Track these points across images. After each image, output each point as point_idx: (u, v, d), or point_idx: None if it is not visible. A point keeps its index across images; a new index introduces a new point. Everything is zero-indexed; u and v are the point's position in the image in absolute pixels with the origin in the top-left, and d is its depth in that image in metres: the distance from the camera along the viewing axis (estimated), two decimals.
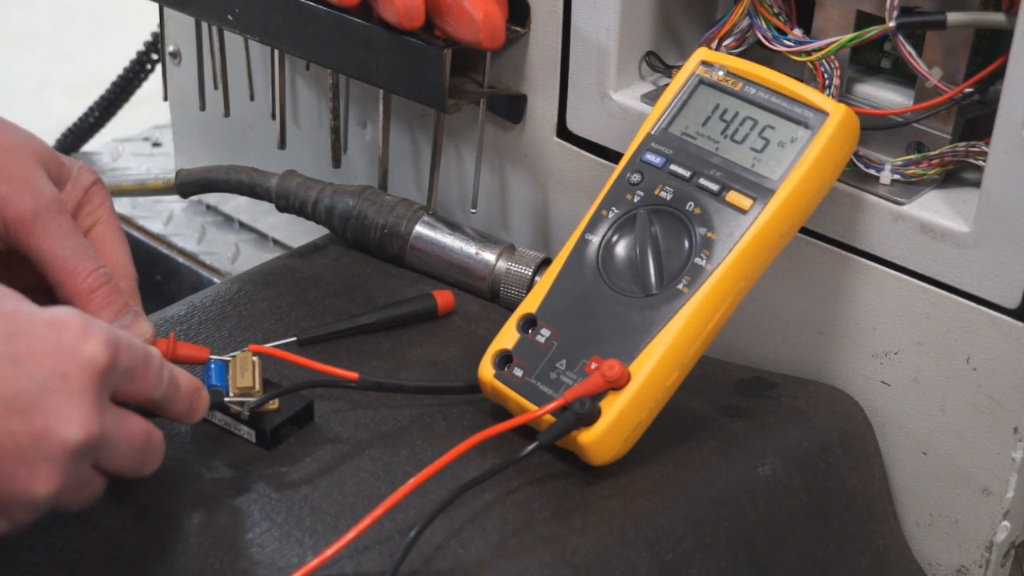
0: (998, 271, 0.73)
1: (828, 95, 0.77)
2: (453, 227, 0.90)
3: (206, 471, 0.71)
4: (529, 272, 0.87)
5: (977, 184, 0.74)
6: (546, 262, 0.87)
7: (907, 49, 0.74)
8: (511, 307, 0.79)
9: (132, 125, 1.44)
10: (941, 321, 0.77)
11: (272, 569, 0.65)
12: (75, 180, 0.74)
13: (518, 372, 0.73)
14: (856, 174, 0.78)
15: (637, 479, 0.71)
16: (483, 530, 0.67)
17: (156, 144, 1.37)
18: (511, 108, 0.93)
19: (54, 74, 2.39)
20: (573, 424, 0.69)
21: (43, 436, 0.57)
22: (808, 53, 0.77)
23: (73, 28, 2.61)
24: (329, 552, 0.62)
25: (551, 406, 0.70)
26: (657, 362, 0.70)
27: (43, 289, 0.71)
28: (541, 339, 0.74)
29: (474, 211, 0.96)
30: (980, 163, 0.74)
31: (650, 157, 0.76)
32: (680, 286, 0.71)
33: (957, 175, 0.78)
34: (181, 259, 1.18)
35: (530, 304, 0.75)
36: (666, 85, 0.78)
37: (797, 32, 0.79)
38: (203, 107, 1.12)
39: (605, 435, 0.70)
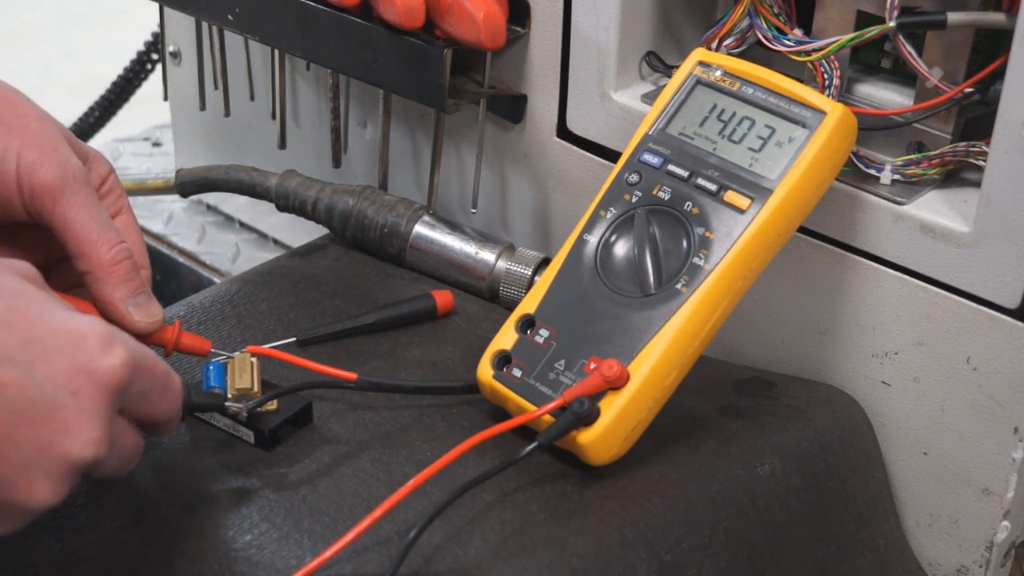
0: (998, 271, 0.73)
1: (828, 95, 0.77)
2: (453, 227, 0.90)
3: (204, 472, 0.71)
4: (529, 272, 0.87)
5: (977, 184, 0.74)
6: (546, 262, 0.87)
7: (907, 49, 0.74)
8: (511, 307, 0.79)
9: (132, 125, 1.44)
10: (941, 321, 0.77)
11: (271, 571, 0.65)
12: (93, 167, 0.74)
13: (517, 372, 0.73)
14: (856, 174, 0.78)
15: (636, 479, 0.71)
16: (482, 531, 0.67)
17: (156, 144, 1.37)
18: (511, 108, 0.93)
19: (55, 73, 2.39)
20: (572, 424, 0.69)
21: (48, 450, 0.56)
22: (808, 53, 0.77)
23: (74, 28, 2.61)
24: (328, 553, 0.62)
25: (550, 406, 0.70)
26: (656, 362, 0.70)
27: (51, 267, 0.71)
28: (540, 339, 0.73)
29: (474, 211, 0.96)
30: (980, 163, 0.74)
31: (648, 157, 0.76)
32: (678, 286, 0.71)
33: (957, 175, 0.78)
34: (181, 259, 1.18)
35: (528, 305, 0.75)
36: (665, 85, 0.78)
37: (797, 32, 0.79)
38: (203, 107, 1.12)
39: (604, 435, 0.69)
